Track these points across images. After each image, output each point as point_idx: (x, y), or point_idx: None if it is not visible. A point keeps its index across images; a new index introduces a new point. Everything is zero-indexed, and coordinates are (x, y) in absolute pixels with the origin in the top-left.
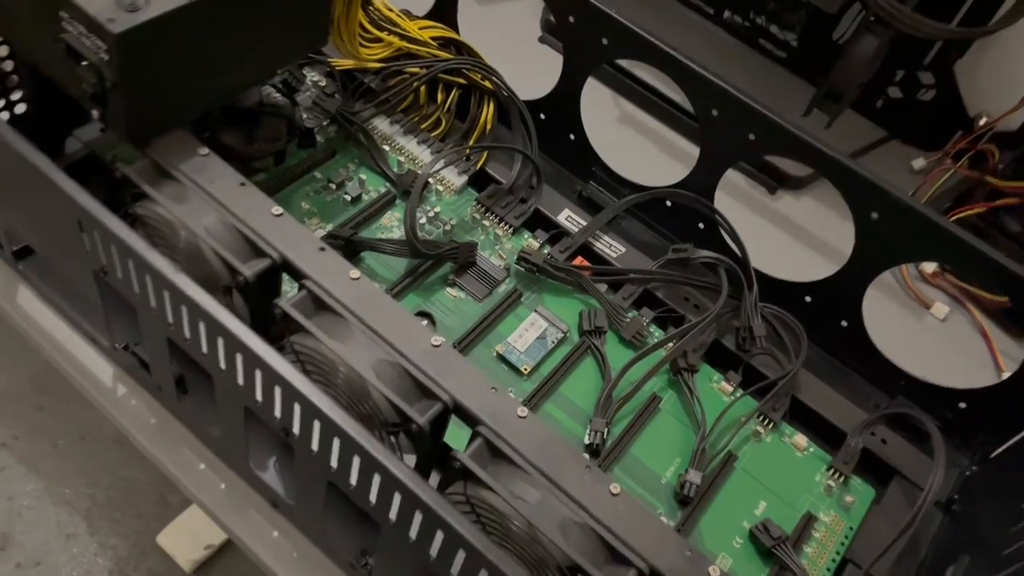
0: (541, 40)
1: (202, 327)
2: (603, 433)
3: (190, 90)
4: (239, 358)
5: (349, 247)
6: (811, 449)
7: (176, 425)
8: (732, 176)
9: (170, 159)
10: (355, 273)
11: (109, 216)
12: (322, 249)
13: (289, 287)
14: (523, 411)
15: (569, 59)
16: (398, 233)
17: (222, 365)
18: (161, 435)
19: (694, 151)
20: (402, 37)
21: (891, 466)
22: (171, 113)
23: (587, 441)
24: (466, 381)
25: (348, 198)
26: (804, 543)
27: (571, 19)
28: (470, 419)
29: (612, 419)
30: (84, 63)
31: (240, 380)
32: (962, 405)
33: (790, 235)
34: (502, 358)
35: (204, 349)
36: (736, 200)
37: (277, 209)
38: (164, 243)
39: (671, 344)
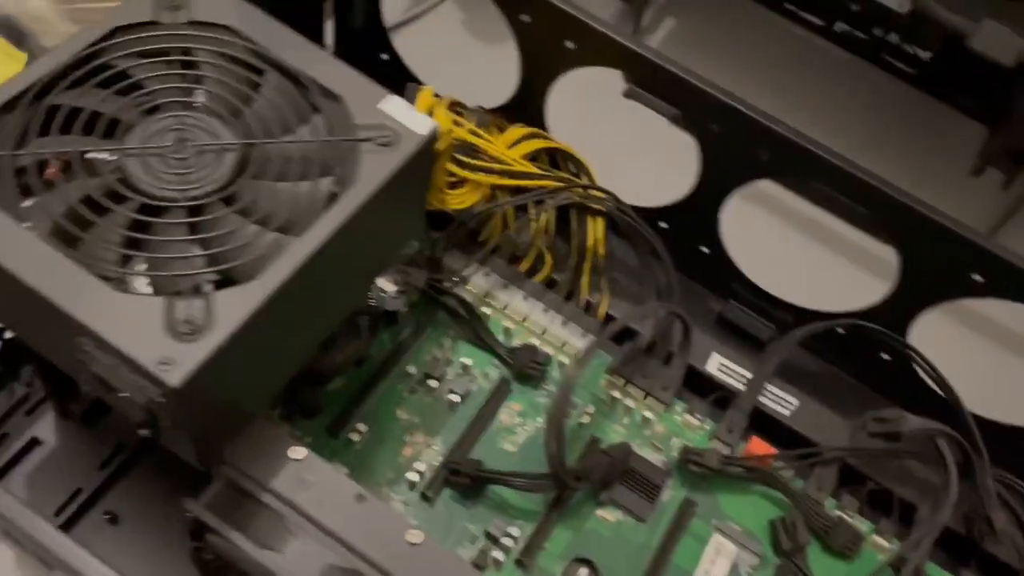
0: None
1: None
2: None
3: (273, 374)
4: None
5: (475, 484)
6: None
7: None
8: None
9: (255, 475)
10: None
11: None
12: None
13: None
14: None
15: (709, 163)
16: (523, 436)
17: None
18: None
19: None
20: (488, 171)
21: None
22: (250, 412)
23: None
24: None
25: (455, 398)
26: None
27: (714, 127)
28: None
29: None
30: (125, 395)
31: None
32: None
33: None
34: None
35: None
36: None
37: (416, 535)
38: None
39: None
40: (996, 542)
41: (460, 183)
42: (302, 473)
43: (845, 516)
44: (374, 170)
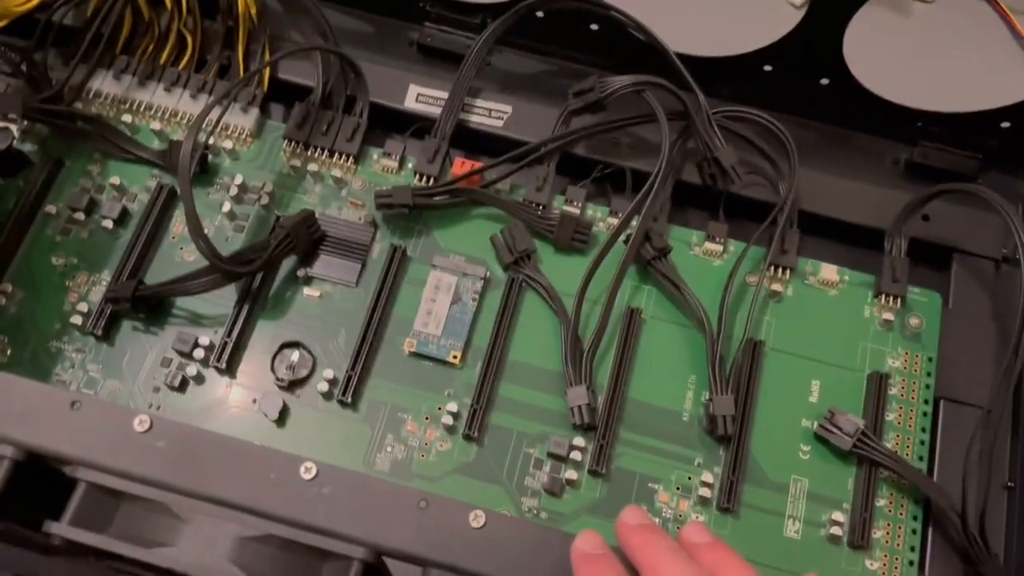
0: None
1: None
2: (587, 404)
3: None
4: None
5: (142, 307)
6: (846, 278)
7: None
8: None
9: None
10: (143, 419)
11: None
12: (75, 404)
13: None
14: (479, 518)
15: None
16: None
17: None
18: None
19: None
20: None
21: (948, 246)
22: None
23: (575, 422)
24: (381, 511)
25: (109, 225)
26: (884, 410)
27: None
28: (415, 561)
29: (591, 375)
30: None
31: None
32: (1005, 124)
33: None
34: (419, 355)
35: None
36: None
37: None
38: None
39: (625, 231)
40: (730, 180)
41: None
42: None
43: (569, 209)
44: None
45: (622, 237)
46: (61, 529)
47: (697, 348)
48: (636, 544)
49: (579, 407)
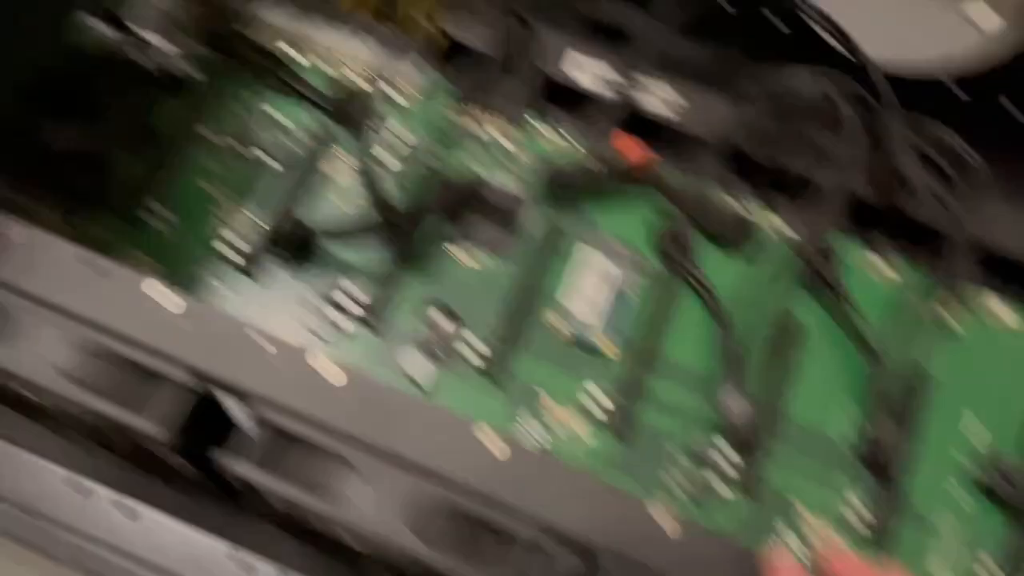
0: None
1: None
2: (744, 416)
3: None
4: None
5: (300, 251)
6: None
7: None
8: None
9: None
10: (339, 374)
11: None
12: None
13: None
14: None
15: None
16: (354, 187)
17: None
18: None
19: None
20: None
21: None
22: None
23: (729, 433)
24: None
25: (264, 156)
26: None
27: None
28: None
29: (748, 386)
30: None
31: None
32: None
33: None
34: (569, 339)
35: None
36: None
37: (154, 285)
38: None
39: (791, 231)
40: (914, 202)
41: None
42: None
43: (737, 206)
44: None
45: (790, 244)
46: (245, 469)
47: (857, 370)
48: None
49: (735, 418)
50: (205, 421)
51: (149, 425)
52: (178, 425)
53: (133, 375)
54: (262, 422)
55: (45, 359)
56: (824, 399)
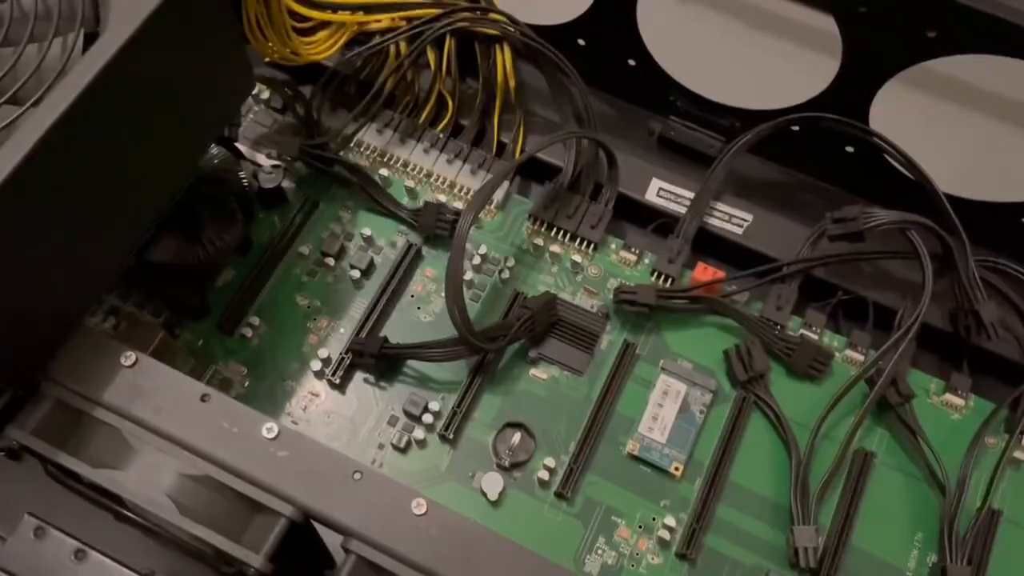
0: None
1: None
2: (815, 547)
3: (82, 263)
4: None
5: (382, 364)
6: None
7: None
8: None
9: (82, 389)
10: (419, 503)
11: None
12: (355, 474)
13: None
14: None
15: None
16: (439, 304)
17: None
18: None
19: (814, 56)
20: (352, 8)
21: None
22: (65, 314)
23: (799, 564)
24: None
25: (356, 274)
26: None
27: None
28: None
29: (817, 516)
30: None
31: None
32: None
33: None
34: (640, 459)
35: None
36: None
37: (269, 425)
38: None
39: (873, 368)
40: (987, 336)
41: (316, 28)
42: (137, 380)
43: (808, 334)
44: (125, 15)
45: (862, 372)
46: None
47: (927, 504)
48: None
49: (805, 549)
50: (295, 545)
51: (246, 553)
52: (271, 553)
53: (235, 504)
54: (349, 551)
55: (153, 482)
56: (892, 532)
